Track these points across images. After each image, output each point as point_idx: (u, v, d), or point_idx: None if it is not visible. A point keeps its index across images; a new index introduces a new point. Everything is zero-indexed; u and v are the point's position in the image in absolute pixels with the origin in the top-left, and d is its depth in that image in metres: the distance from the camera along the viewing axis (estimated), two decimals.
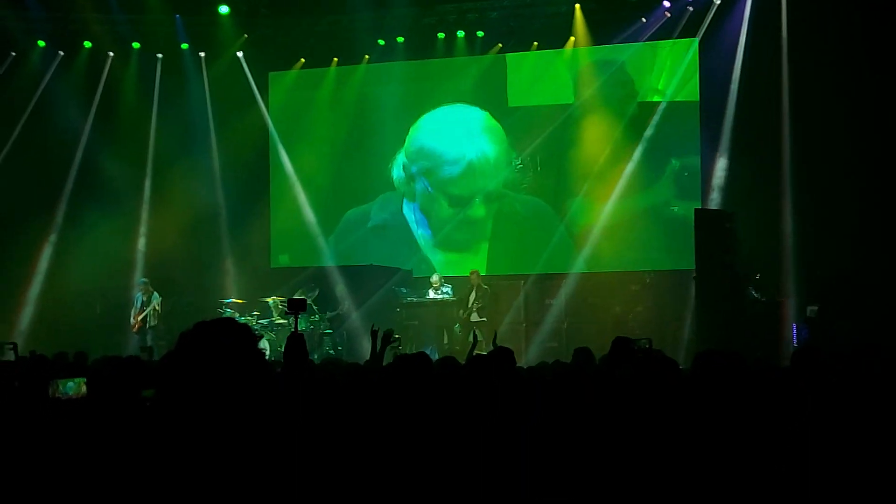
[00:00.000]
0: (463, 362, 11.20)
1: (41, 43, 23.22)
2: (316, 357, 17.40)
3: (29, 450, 4.04)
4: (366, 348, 10.71)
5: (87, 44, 23.41)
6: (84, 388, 4.73)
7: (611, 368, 5.08)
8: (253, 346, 3.04)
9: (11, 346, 11.93)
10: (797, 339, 17.51)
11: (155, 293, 21.19)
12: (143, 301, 21.09)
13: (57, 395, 4.72)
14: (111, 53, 23.66)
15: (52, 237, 23.06)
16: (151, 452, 3.01)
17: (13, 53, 23.06)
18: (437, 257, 22.76)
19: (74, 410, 4.52)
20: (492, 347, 12.85)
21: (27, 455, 3.98)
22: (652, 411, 3.90)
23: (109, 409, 4.45)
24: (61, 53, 23.48)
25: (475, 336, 12.41)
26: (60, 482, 3.90)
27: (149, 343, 20.50)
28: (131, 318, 21.12)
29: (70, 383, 4.74)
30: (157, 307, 21.03)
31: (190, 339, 3.01)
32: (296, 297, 20.86)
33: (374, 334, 10.49)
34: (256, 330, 19.49)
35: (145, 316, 20.99)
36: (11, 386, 5.19)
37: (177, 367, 3.00)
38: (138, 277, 22.29)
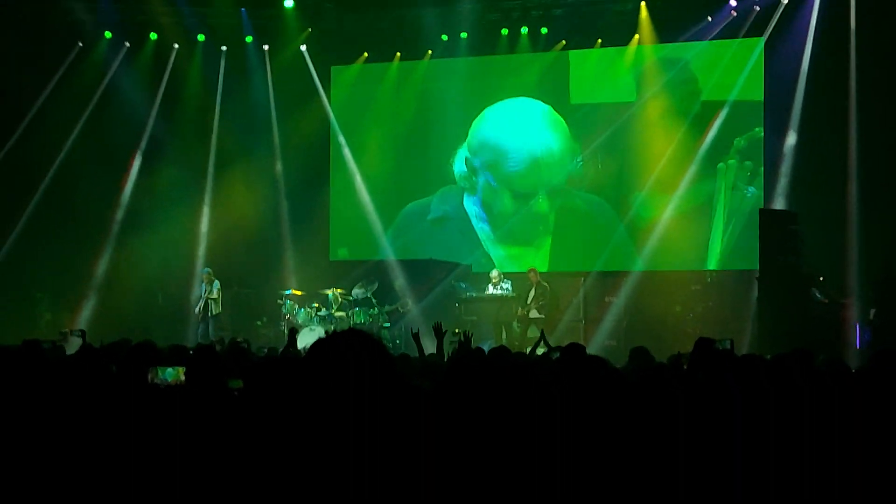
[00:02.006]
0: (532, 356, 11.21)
1: (108, 34, 23.44)
2: None
3: (129, 433, 4.11)
4: (425, 344, 10.76)
5: (153, 35, 23.62)
6: (182, 376, 4.80)
7: (695, 370, 5.07)
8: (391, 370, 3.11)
9: (80, 333, 12.04)
10: (860, 341, 17.34)
11: (216, 281, 21.35)
12: (206, 290, 21.27)
13: (156, 381, 4.79)
14: (176, 45, 23.86)
15: (116, 228, 23.25)
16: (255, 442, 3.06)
17: (80, 44, 23.25)
18: (497, 252, 22.77)
19: (172, 397, 4.60)
20: (544, 348, 12.86)
21: (127, 438, 4.05)
22: (739, 414, 3.92)
23: (205, 398, 4.53)
24: (127, 45, 23.70)
25: (543, 333, 12.40)
26: (156, 465, 3.97)
27: (210, 332, 20.65)
28: (196, 308, 21.32)
29: (169, 370, 4.81)
30: (215, 296, 21.18)
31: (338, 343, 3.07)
32: (355, 289, 21.10)
33: (415, 337, 10.61)
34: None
35: (207, 304, 21.17)
36: (108, 371, 5.27)
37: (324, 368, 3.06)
38: (200, 268, 22.48)
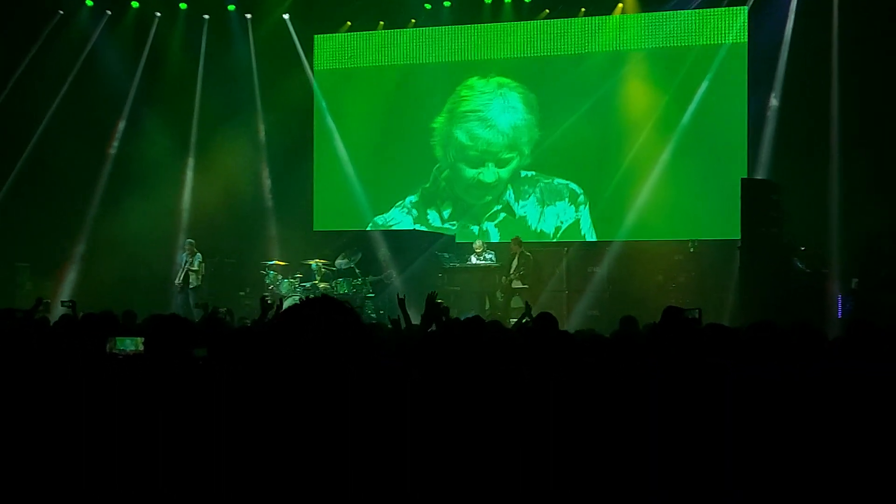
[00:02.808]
0: (509, 327, 11.19)
1: (89, 2, 23.29)
2: None
3: (87, 402, 4.08)
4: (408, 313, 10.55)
5: (135, 3, 23.47)
6: (141, 346, 4.77)
7: (661, 338, 5.05)
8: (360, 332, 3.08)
9: (70, 303, 11.96)
10: (841, 311, 17.38)
11: (198, 254, 21.32)
12: (187, 261, 21.24)
13: (114, 351, 4.76)
14: (158, 14, 23.72)
15: (98, 198, 23.17)
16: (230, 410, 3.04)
17: (61, 12, 23.11)
18: (483, 224, 22.83)
19: (130, 367, 4.57)
20: (528, 318, 12.80)
21: (84, 407, 4.02)
22: (707, 382, 3.90)
23: (165, 367, 4.50)
24: (108, 13, 23.56)
25: (527, 304, 12.32)
26: (112, 434, 3.94)
27: (191, 303, 20.61)
28: (176, 279, 21.27)
29: (128, 341, 4.78)
30: (195, 268, 21.15)
31: (301, 310, 3.04)
32: (338, 260, 21.07)
33: (401, 302, 10.35)
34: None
35: (186, 276, 21.14)
36: (75, 340, 5.25)
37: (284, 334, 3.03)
38: (183, 238, 22.43)
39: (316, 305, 3.14)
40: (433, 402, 4.28)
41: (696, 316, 7.26)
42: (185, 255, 21.36)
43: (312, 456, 2.94)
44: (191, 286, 21.10)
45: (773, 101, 20.52)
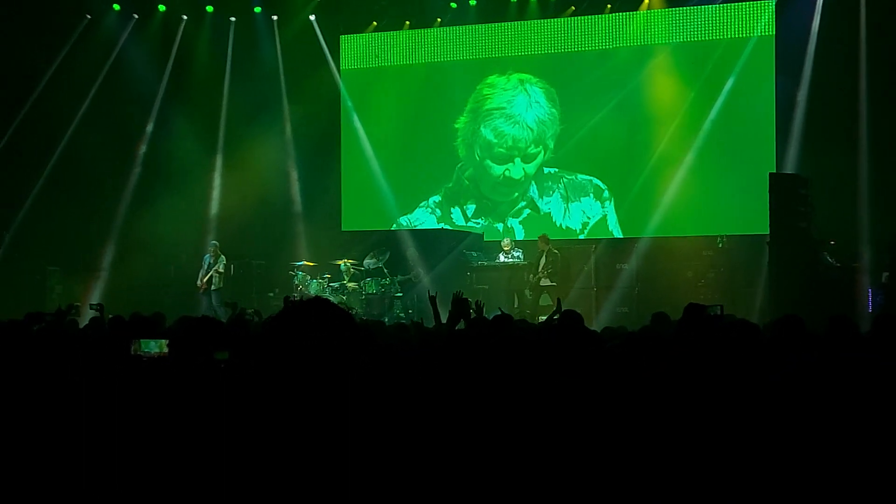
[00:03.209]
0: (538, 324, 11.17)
1: (116, 7, 23.41)
2: (386, 320, 17.49)
3: (111, 403, 4.11)
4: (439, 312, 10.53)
5: (162, 7, 23.59)
6: (165, 349, 4.80)
7: (683, 335, 5.05)
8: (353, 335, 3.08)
9: (98, 307, 12.04)
10: (872, 305, 17.27)
11: (222, 256, 21.40)
12: (210, 263, 21.32)
13: (139, 353, 4.79)
14: (185, 17, 23.85)
15: (127, 201, 23.30)
16: (233, 411, 3.05)
17: (89, 16, 23.25)
18: (508, 221, 22.83)
19: (155, 369, 4.60)
20: (557, 316, 12.78)
21: (109, 408, 4.06)
22: (726, 378, 3.89)
23: (188, 369, 4.53)
24: (136, 17, 23.69)
25: (559, 301, 12.28)
26: (138, 436, 3.96)
27: (213, 305, 20.69)
28: (198, 280, 21.33)
29: (152, 343, 4.81)
30: (220, 270, 21.22)
31: (296, 310, 3.05)
32: (366, 259, 21.09)
33: (432, 300, 10.36)
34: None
35: (210, 278, 21.21)
36: (101, 343, 5.28)
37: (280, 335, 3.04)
38: (210, 240, 22.53)
39: (305, 308, 3.15)
40: (454, 397, 4.29)
41: (718, 313, 7.22)
42: (208, 256, 21.42)
43: (316, 455, 2.95)
44: (213, 288, 21.16)
45: (800, 96, 20.42)
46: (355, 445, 3.00)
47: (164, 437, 3.56)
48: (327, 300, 3.16)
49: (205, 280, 21.27)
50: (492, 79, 23.08)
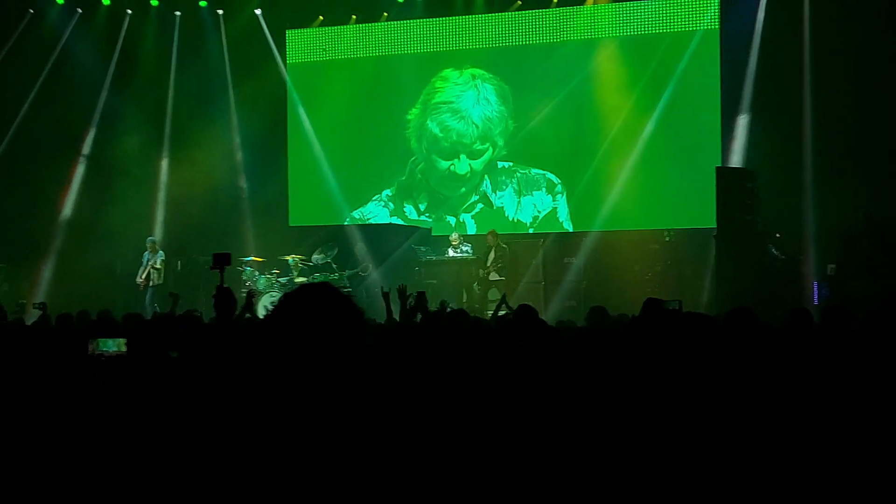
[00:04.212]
0: (488, 320, 11.22)
1: (59, 0, 23.16)
2: None
3: (70, 405, 4.07)
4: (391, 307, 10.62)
5: (106, 1, 23.39)
6: (123, 347, 4.76)
7: (641, 330, 5.06)
8: (346, 313, 3.07)
9: (40, 306, 11.92)
10: (817, 297, 17.47)
11: (160, 252, 21.26)
12: (149, 259, 21.15)
13: (96, 353, 4.75)
14: (129, 11, 23.65)
15: (73, 196, 23.11)
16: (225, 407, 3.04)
17: (31, 11, 23.02)
18: (460, 216, 22.87)
19: (113, 368, 4.56)
20: (505, 309, 12.85)
21: (68, 409, 4.02)
22: (689, 372, 3.92)
23: (147, 367, 4.49)
24: (79, 11, 23.47)
25: (504, 296, 12.38)
26: (96, 436, 3.93)
27: (152, 301, 20.55)
28: (138, 277, 21.15)
29: (110, 342, 4.77)
30: (158, 266, 21.06)
31: (288, 303, 3.04)
32: (314, 255, 21.03)
33: (385, 296, 10.49)
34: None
35: (148, 274, 21.04)
36: (53, 343, 5.23)
37: (276, 331, 3.03)
38: (158, 235, 22.39)
39: (309, 294, 3.15)
40: (415, 392, 4.29)
41: (677, 307, 7.25)
42: (147, 253, 21.24)
43: (316, 448, 2.95)
44: (152, 284, 20.98)
45: (746, 95, 20.63)
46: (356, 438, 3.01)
47: (125, 434, 3.54)
48: (328, 285, 3.16)
49: (144, 276, 21.07)
50: (446, 72, 23.07)
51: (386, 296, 10.58)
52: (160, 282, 21.02)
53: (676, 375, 4.04)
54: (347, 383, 3.03)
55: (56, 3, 23.16)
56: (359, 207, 23.52)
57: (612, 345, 4.84)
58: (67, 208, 22.97)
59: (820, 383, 4.95)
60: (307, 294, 3.13)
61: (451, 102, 22.95)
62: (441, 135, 22.91)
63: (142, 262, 21.22)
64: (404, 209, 23.21)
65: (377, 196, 23.45)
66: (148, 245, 21.31)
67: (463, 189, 22.82)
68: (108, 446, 3.63)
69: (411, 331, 4.94)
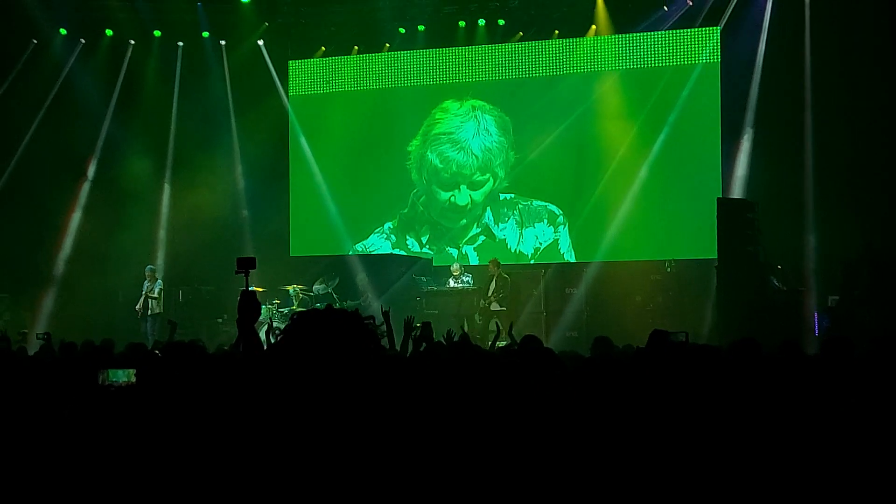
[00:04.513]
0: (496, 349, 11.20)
1: (63, 31, 23.29)
2: None
3: (81, 435, 4.08)
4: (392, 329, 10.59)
5: (109, 32, 23.50)
6: (133, 378, 4.78)
7: (645, 361, 5.09)
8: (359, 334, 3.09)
9: (44, 336, 11.85)
10: (818, 328, 17.46)
11: (159, 280, 21.25)
12: (148, 288, 21.13)
13: (106, 383, 4.77)
14: (132, 41, 23.73)
15: (74, 226, 23.13)
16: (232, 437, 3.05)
17: (35, 41, 23.11)
18: (463, 248, 22.90)
19: (123, 399, 4.57)
20: (508, 340, 12.83)
21: (79, 440, 4.03)
22: (695, 404, 3.94)
23: (159, 398, 4.51)
24: (83, 41, 23.59)
25: (498, 326, 12.37)
26: (108, 467, 3.94)
27: (149, 330, 20.51)
28: (137, 305, 21.13)
29: (120, 372, 4.79)
30: (156, 295, 21.03)
31: (296, 329, 3.05)
32: (316, 285, 21.02)
33: (385, 315, 10.47)
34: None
35: (147, 302, 21.01)
36: (60, 373, 5.24)
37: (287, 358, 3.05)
38: (160, 265, 22.43)
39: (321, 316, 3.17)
40: (424, 420, 4.30)
41: (684, 339, 7.19)
42: (146, 281, 21.22)
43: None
44: (151, 313, 20.96)
45: (748, 127, 20.69)
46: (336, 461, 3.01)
47: (137, 464, 3.55)
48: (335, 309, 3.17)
49: (141, 305, 21.05)
50: (447, 103, 23.14)
51: (386, 315, 10.57)
52: (159, 310, 20.99)
53: (684, 406, 4.06)
54: (368, 403, 3.04)
55: (59, 33, 23.25)
56: (361, 240, 23.53)
57: (619, 375, 4.87)
58: (69, 237, 22.94)
59: (824, 413, 4.97)
60: (319, 317, 3.14)
61: (451, 133, 23.01)
62: (441, 166, 22.96)
63: (142, 291, 21.21)
64: (406, 242, 23.24)
65: (379, 228, 23.48)
66: (147, 274, 21.28)
67: (464, 220, 22.86)
68: (121, 475, 3.64)
69: (420, 360, 4.95)
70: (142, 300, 21.05)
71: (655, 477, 3.61)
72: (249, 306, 4.26)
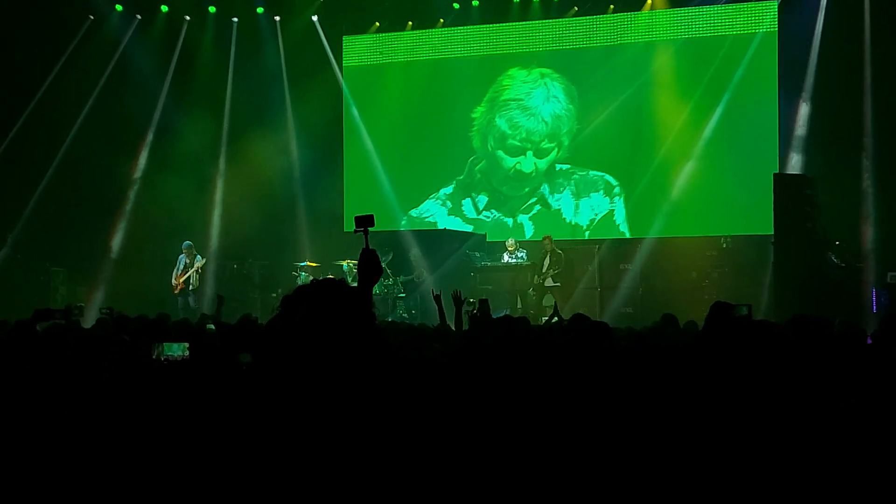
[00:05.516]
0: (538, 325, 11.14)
1: (119, 7, 23.43)
2: (390, 320, 17.44)
3: (136, 408, 4.09)
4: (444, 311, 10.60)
5: (164, 8, 23.61)
6: (187, 352, 4.79)
7: (710, 336, 5.00)
8: (350, 304, 3.05)
9: (107, 311, 11.83)
10: (877, 305, 17.26)
11: (198, 255, 21.32)
12: (185, 263, 21.19)
13: (161, 357, 4.78)
14: (188, 17, 23.84)
15: (131, 201, 23.31)
16: (254, 415, 3.02)
17: (91, 17, 23.26)
18: (518, 217, 22.87)
19: (178, 372, 4.58)
20: (555, 318, 12.77)
21: (132, 412, 4.04)
22: (757, 382, 3.86)
23: (211, 372, 4.51)
24: (138, 17, 23.70)
25: (556, 305, 12.33)
26: (162, 440, 3.95)
27: (190, 305, 20.60)
28: (172, 279, 21.22)
29: (175, 346, 4.80)
30: (199, 269, 21.12)
31: (291, 303, 3.02)
32: None
33: (437, 299, 10.48)
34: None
35: (188, 278, 21.10)
36: (121, 344, 5.24)
37: (281, 332, 3.01)
38: (213, 241, 22.62)
39: (309, 289, 3.13)
40: (473, 400, 4.27)
41: (746, 313, 7.05)
42: (183, 257, 21.26)
43: (332, 458, 2.93)
44: (191, 288, 21.05)
45: (805, 102, 20.44)
46: (375, 447, 2.98)
47: (188, 439, 3.55)
48: (338, 281, 3.13)
49: (181, 280, 21.12)
50: (513, 71, 23.11)
51: (437, 298, 10.58)
52: (198, 285, 21.10)
53: (751, 386, 3.99)
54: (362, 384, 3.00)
55: (115, 9, 23.38)
56: (416, 206, 23.55)
57: (677, 357, 4.81)
58: (125, 212, 23.11)
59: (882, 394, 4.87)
60: (301, 295, 3.10)
61: (521, 100, 22.96)
62: (510, 132, 22.93)
63: (177, 266, 21.25)
64: (462, 207, 23.21)
65: (434, 195, 23.49)
66: (184, 249, 21.32)
67: (526, 188, 22.81)
68: (175, 451, 3.64)
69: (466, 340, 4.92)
70: (181, 275, 21.07)
71: (716, 465, 3.56)
72: (370, 266, 4.22)
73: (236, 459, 3.02)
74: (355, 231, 4.97)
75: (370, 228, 4.98)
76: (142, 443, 3.82)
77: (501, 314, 18.05)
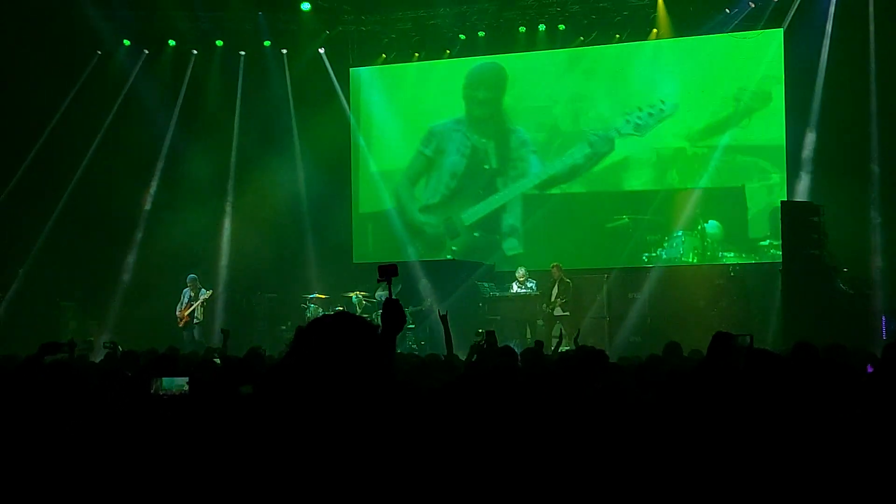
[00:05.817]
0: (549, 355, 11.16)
1: (126, 42, 23.56)
2: (399, 351, 17.39)
3: (133, 443, 4.09)
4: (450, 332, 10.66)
5: (172, 42, 23.76)
6: (186, 387, 4.79)
7: (712, 366, 4.99)
8: (368, 340, 3.05)
9: (110, 345, 11.88)
10: (885, 331, 17.20)
11: (202, 288, 21.32)
12: (190, 297, 21.19)
13: (160, 392, 4.79)
14: (195, 51, 23.98)
15: (140, 235, 23.36)
16: (253, 447, 3.03)
17: (99, 53, 23.39)
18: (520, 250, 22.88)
19: (176, 407, 4.58)
20: (572, 346, 12.78)
21: (131, 447, 4.04)
22: (760, 410, 3.86)
23: (210, 406, 4.51)
24: (146, 52, 23.85)
25: (561, 332, 12.36)
26: (163, 474, 3.95)
27: (196, 338, 20.59)
28: (177, 312, 21.21)
29: (174, 381, 4.81)
30: (204, 302, 21.12)
31: (305, 337, 3.03)
32: (378, 291, 21.00)
33: (443, 319, 10.53)
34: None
35: (193, 311, 21.09)
36: (115, 382, 5.25)
37: (296, 366, 3.02)
38: (222, 273, 22.62)
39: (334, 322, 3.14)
40: (477, 433, 4.27)
41: (748, 343, 7.03)
42: (188, 290, 21.26)
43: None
44: (196, 322, 21.05)
45: (812, 129, 20.46)
46: (370, 478, 2.98)
47: (185, 472, 3.55)
48: (348, 314, 3.14)
49: (186, 314, 21.11)
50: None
51: (444, 319, 10.62)
52: (202, 318, 21.10)
53: (749, 412, 3.99)
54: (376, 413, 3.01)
55: (123, 44, 23.51)
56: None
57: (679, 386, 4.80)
58: (135, 245, 23.17)
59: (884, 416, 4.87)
60: (321, 328, 3.11)
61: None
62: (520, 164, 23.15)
63: (181, 300, 21.24)
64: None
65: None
66: (189, 283, 21.31)
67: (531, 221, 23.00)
68: (176, 480, 3.64)
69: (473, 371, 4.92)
70: (185, 308, 21.06)
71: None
72: (394, 315, 4.25)
73: (234, 491, 3.03)
74: (378, 280, 5.01)
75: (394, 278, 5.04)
76: (138, 476, 3.82)
77: (511, 344, 18.04)
